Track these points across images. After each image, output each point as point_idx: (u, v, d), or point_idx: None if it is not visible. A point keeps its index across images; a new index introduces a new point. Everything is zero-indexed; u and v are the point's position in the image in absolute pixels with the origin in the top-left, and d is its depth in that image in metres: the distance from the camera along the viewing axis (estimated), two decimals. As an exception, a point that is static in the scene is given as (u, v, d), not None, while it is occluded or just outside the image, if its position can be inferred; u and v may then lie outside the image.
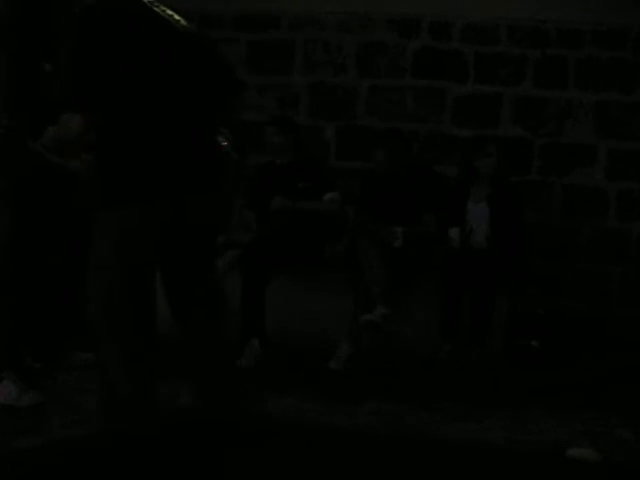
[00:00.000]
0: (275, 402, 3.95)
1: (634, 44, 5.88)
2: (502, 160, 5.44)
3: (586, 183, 5.95)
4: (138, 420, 2.89)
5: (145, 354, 2.94)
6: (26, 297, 4.04)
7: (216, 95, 3.04)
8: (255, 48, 6.18)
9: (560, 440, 3.65)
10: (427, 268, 5.12)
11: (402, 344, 5.02)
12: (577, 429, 3.88)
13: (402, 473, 3.25)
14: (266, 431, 3.11)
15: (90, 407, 3.79)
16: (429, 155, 5.90)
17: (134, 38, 2.84)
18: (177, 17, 2.99)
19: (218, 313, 3.10)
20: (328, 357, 4.88)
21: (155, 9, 2.94)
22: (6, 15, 3.94)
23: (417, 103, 6.08)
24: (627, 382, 4.70)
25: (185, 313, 3.05)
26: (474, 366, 4.93)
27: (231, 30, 6.16)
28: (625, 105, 5.89)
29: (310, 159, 5.51)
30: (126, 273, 2.86)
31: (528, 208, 5.57)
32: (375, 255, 4.97)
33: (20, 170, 3.84)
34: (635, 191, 5.90)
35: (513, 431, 3.84)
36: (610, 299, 5.87)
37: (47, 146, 4.25)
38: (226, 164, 3.21)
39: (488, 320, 5.06)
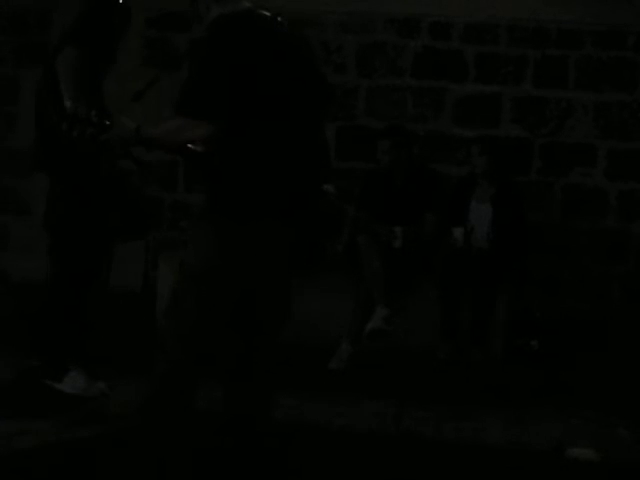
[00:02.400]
0: (275, 402, 3.94)
1: (634, 44, 5.88)
2: (502, 160, 5.44)
3: (586, 183, 5.95)
4: (174, 421, 2.88)
5: (202, 365, 2.94)
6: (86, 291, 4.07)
7: (321, 109, 3.06)
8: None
9: (560, 440, 3.65)
10: (427, 268, 5.12)
11: (402, 344, 5.02)
12: (577, 429, 3.88)
13: (401, 473, 3.26)
14: (266, 431, 3.12)
15: (90, 407, 3.81)
16: (429, 155, 5.90)
17: (261, 54, 2.84)
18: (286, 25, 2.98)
19: (278, 328, 3.13)
20: (328, 357, 4.88)
21: (277, 26, 2.95)
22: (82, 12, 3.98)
23: (417, 103, 6.08)
24: (627, 382, 4.70)
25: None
26: (474, 366, 4.93)
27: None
28: (625, 105, 5.89)
29: None
30: (228, 283, 2.86)
31: (528, 208, 5.56)
32: (375, 255, 4.97)
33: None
34: (635, 191, 5.90)
35: (513, 431, 3.84)
36: (610, 299, 5.86)
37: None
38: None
39: (488, 320, 5.06)
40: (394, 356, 4.97)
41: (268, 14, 2.95)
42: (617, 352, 5.15)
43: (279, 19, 2.97)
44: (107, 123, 2.91)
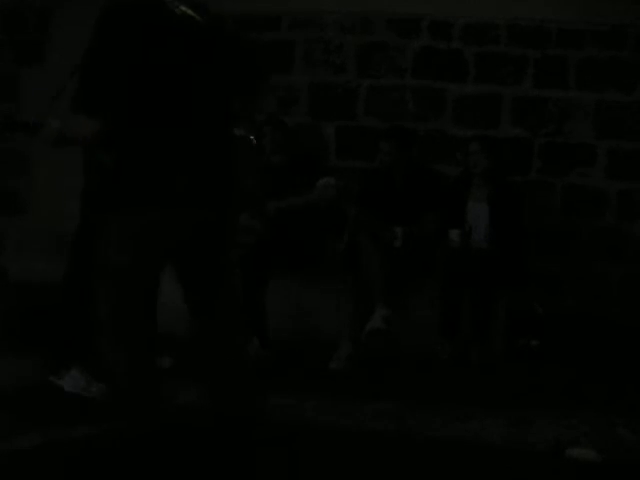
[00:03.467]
0: (275, 402, 3.95)
1: (634, 44, 5.88)
2: (502, 160, 5.44)
3: (586, 183, 5.95)
4: (141, 419, 2.90)
5: (150, 356, 2.96)
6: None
7: (242, 88, 3.05)
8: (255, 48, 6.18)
9: (560, 440, 3.65)
10: (427, 268, 5.12)
11: (402, 344, 5.02)
12: (577, 429, 3.88)
13: (402, 473, 3.26)
14: (266, 431, 3.11)
15: (90, 407, 3.81)
16: (429, 155, 5.90)
17: (152, 40, 2.80)
18: (193, 13, 2.93)
19: (235, 314, 3.11)
20: (328, 357, 4.88)
21: (174, 8, 2.89)
22: None
23: (417, 103, 6.08)
24: (627, 382, 4.70)
25: (203, 313, 3.05)
26: (474, 366, 4.93)
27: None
28: (625, 105, 5.89)
29: (306, 155, 5.54)
30: (138, 276, 2.86)
31: (528, 208, 5.57)
32: (375, 255, 4.97)
33: None
34: (635, 191, 5.90)
35: (513, 431, 3.84)
36: (610, 299, 5.86)
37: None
38: (246, 160, 3.21)
39: (488, 320, 5.06)
40: (394, 356, 4.97)
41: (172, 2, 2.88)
42: (617, 352, 5.15)
43: (179, 6, 2.88)
44: (32, 124, 2.90)
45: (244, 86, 3.06)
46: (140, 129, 2.80)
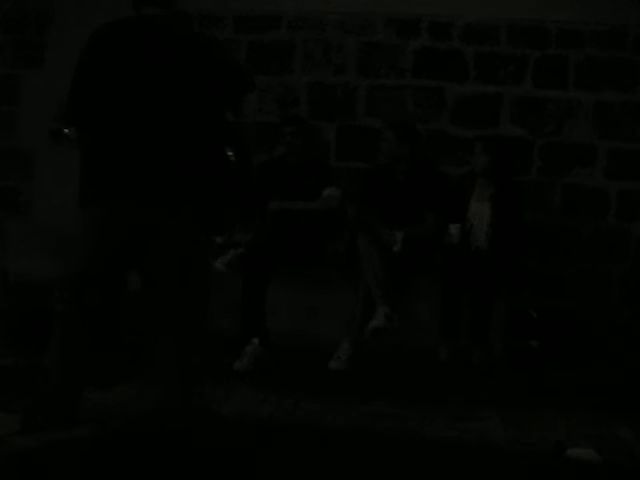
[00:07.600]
0: (275, 402, 3.95)
1: (634, 44, 5.88)
2: (503, 159, 5.44)
3: (586, 183, 5.95)
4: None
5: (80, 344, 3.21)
6: None
7: (221, 99, 3.21)
8: (255, 48, 6.18)
9: (560, 440, 3.65)
10: (427, 268, 5.11)
11: (402, 344, 5.02)
12: (577, 429, 3.88)
13: (402, 473, 3.26)
14: (266, 431, 3.11)
15: (91, 407, 3.80)
16: (429, 155, 5.90)
17: (114, 57, 3.10)
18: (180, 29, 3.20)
19: (185, 305, 3.25)
20: (328, 357, 4.88)
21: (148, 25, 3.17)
22: None
23: (417, 103, 6.08)
24: (627, 382, 4.70)
25: (156, 300, 3.31)
26: (474, 366, 4.93)
27: (231, 30, 6.17)
28: (625, 105, 5.89)
29: (314, 158, 5.55)
30: (85, 261, 3.23)
31: (528, 208, 5.56)
32: (375, 255, 4.97)
33: None
34: (635, 191, 5.90)
35: (513, 431, 3.84)
36: (610, 299, 5.87)
37: None
38: (229, 175, 3.35)
39: (488, 320, 5.06)
40: (394, 356, 4.97)
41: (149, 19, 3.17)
42: (617, 352, 5.15)
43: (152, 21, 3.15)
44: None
45: (220, 103, 3.23)
46: (94, 134, 3.13)
